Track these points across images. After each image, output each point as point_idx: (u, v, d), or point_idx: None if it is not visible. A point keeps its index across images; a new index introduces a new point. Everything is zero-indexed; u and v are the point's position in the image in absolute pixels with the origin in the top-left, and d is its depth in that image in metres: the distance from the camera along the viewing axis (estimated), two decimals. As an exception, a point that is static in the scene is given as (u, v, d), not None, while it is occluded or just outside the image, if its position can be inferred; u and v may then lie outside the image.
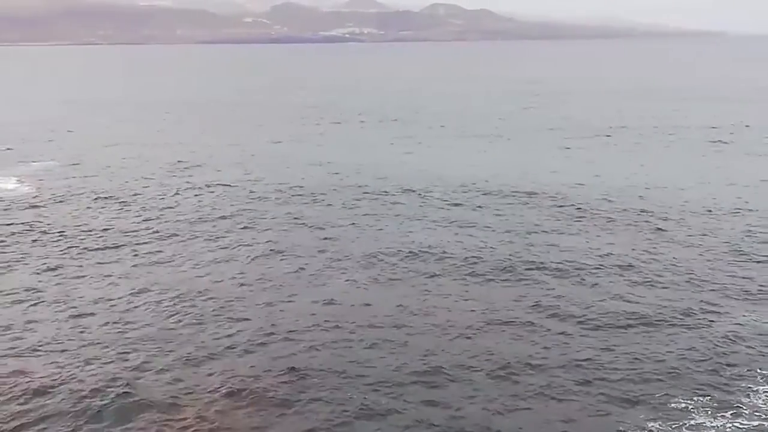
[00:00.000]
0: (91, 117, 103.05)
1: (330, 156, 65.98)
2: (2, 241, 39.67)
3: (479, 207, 46.14)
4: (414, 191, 50.49)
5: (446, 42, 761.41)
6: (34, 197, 50.47)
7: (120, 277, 33.73)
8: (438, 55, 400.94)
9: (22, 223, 43.32)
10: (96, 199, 49.88)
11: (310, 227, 41.93)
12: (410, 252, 36.71)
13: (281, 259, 36.00)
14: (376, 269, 34.36)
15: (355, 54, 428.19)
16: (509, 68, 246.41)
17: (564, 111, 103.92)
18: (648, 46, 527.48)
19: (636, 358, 25.08)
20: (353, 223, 42.71)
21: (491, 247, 37.36)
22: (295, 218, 43.93)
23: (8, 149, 71.79)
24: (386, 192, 50.55)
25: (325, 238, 39.55)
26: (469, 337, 26.85)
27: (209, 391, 23.00)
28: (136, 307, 30.07)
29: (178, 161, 63.81)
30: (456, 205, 46.81)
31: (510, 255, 36.02)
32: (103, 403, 22.26)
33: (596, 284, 32.22)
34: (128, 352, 25.75)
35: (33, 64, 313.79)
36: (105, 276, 33.94)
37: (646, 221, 42.35)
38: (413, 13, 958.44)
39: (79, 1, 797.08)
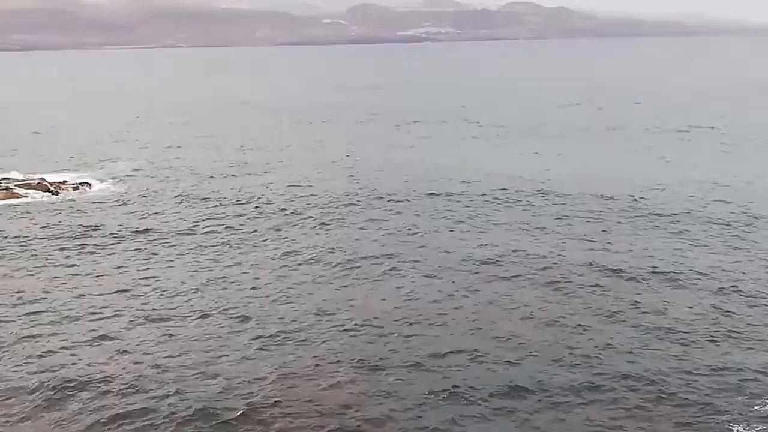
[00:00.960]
0: (175, 117, 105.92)
1: (401, 157, 66.60)
2: (91, 238, 41.59)
3: (554, 210, 45.92)
4: (488, 193, 50.58)
5: (524, 41, 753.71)
6: (122, 196, 52.56)
7: (200, 273, 35.05)
8: (515, 54, 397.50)
9: (111, 223, 45.26)
10: (178, 197, 51.66)
11: (383, 229, 42.56)
12: (484, 255, 36.85)
13: (355, 260, 36.70)
14: (450, 272, 34.64)
15: (431, 53, 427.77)
16: (586, 67, 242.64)
17: (640, 110, 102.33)
18: (728, 43, 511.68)
19: (718, 366, 24.76)
20: (427, 225, 43.16)
21: (566, 252, 37.22)
22: (369, 220, 44.61)
23: (98, 149, 74.65)
24: (460, 193, 50.79)
25: (399, 241, 40.08)
26: (547, 343, 26.90)
27: (280, 379, 23.93)
28: (218, 301, 31.23)
29: (258, 162, 65.32)
30: (529, 207, 46.77)
31: (586, 260, 35.82)
32: (178, 391, 23.41)
33: (675, 290, 31.80)
34: (210, 348, 26.89)
35: (118, 67, 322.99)
36: (187, 272, 35.31)
37: (726, 225, 41.61)
38: (491, 12, 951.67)
39: (161, 4, 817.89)
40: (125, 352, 26.42)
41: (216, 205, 49.06)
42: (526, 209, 46.09)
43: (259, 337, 27.51)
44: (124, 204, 50.15)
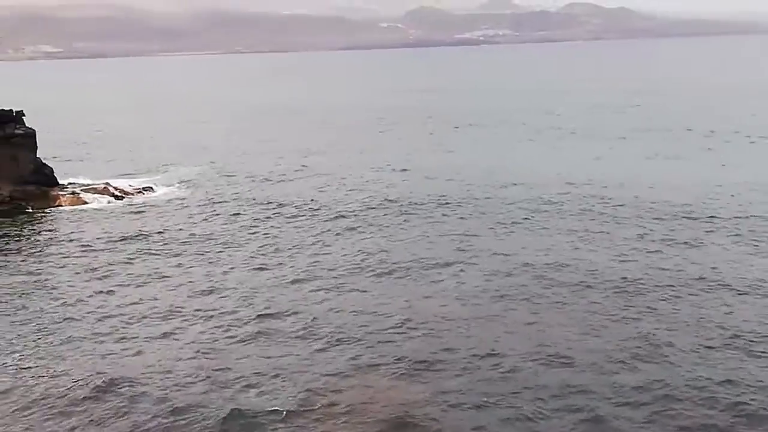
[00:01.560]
0: (236, 122, 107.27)
1: (458, 160, 66.48)
2: (153, 242, 42.67)
3: (612, 213, 45.28)
4: (545, 197, 50.20)
5: (582, 42, 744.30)
6: (184, 200, 53.67)
7: (259, 275, 35.69)
8: (573, 55, 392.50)
9: (173, 226, 46.44)
10: (238, 201, 52.52)
11: (440, 233, 42.53)
12: (541, 260, 36.59)
13: (412, 263, 36.86)
14: (507, 276, 34.45)
15: (488, 55, 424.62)
16: (645, 68, 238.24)
17: (699, 112, 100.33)
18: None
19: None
20: (484, 229, 42.93)
21: (625, 257, 36.64)
22: (426, 223, 44.76)
23: (162, 154, 76.20)
24: (516, 197, 50.51)
25: (455, 245, 39.99)
26: (607, 347, 26.68)
27: (336, 379, 24.28)
28: (276, 303, 31.75)
29: (316, 166, 65.85)
30: (587, 210, 46.17)
31: (645, 264, 35.23)
32: (235, 389, 23.93)
33: (737, 296, 31.18)
34: (268, 347, 27.39)
35: (182, 73, 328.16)
36: (247, 275, 35.99)
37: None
38: (550, 13, 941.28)
39: (225, 11, 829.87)
40: (185, 350, 27.10)
41: (275, 209, 49.73)
42: (583, 213, 45.63)
43: (316, 337, 27.93)
44: (186, 208, 51.23)
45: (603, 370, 24.69)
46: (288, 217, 47.26)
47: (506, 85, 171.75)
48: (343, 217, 46.79)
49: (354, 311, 30.48)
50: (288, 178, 61.01)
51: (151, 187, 58.05)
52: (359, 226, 44.30)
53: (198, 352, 27.03)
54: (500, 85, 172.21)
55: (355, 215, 47.04)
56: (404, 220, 45.43)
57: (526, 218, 44.85)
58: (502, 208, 47.79)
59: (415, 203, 49.70)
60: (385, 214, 47.03)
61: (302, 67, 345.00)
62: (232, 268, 37.17)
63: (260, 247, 40.71)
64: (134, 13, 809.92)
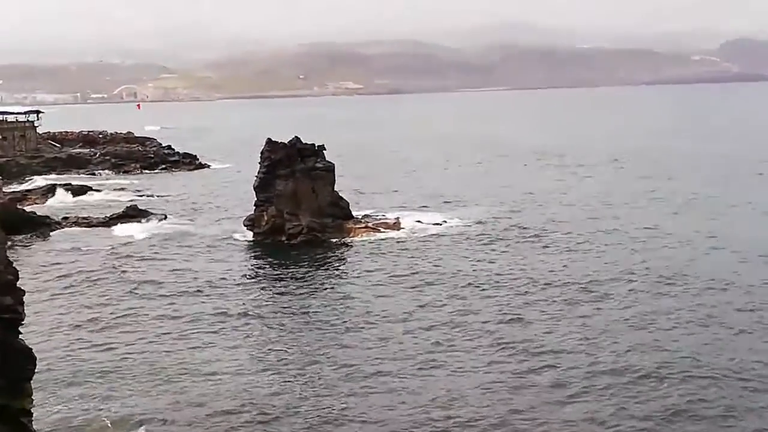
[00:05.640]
0: (534, 162, 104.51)
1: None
2: (449, 280, 43.72)
3: None
4: None
5: None
6: (476, 238, 54.12)
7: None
8: None
9: (469, 266, 46.89)
10: (527, 241, 52.39)
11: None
12: None
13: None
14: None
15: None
16: None
17: None
18: None
19: None
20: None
21: None
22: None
23: (455, 191, 76.67)
24: None
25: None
26: None
27: None
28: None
29: (603, 214, 62.03)
30: None
31: None
32: None
33: None
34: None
35: (481, 108, 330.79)
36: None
37: None
38: None
39: (518, 45, 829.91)
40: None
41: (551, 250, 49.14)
42: None
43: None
44: (477, 246, 51.70)
45: None
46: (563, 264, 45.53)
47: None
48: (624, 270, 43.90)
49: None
50: (575, 222, 58.36)
51: (443, 224, 58.50)
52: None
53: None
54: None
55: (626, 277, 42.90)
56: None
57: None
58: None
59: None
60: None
61: (600, 104, 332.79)
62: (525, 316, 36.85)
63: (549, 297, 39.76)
64: (429, 48, 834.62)
